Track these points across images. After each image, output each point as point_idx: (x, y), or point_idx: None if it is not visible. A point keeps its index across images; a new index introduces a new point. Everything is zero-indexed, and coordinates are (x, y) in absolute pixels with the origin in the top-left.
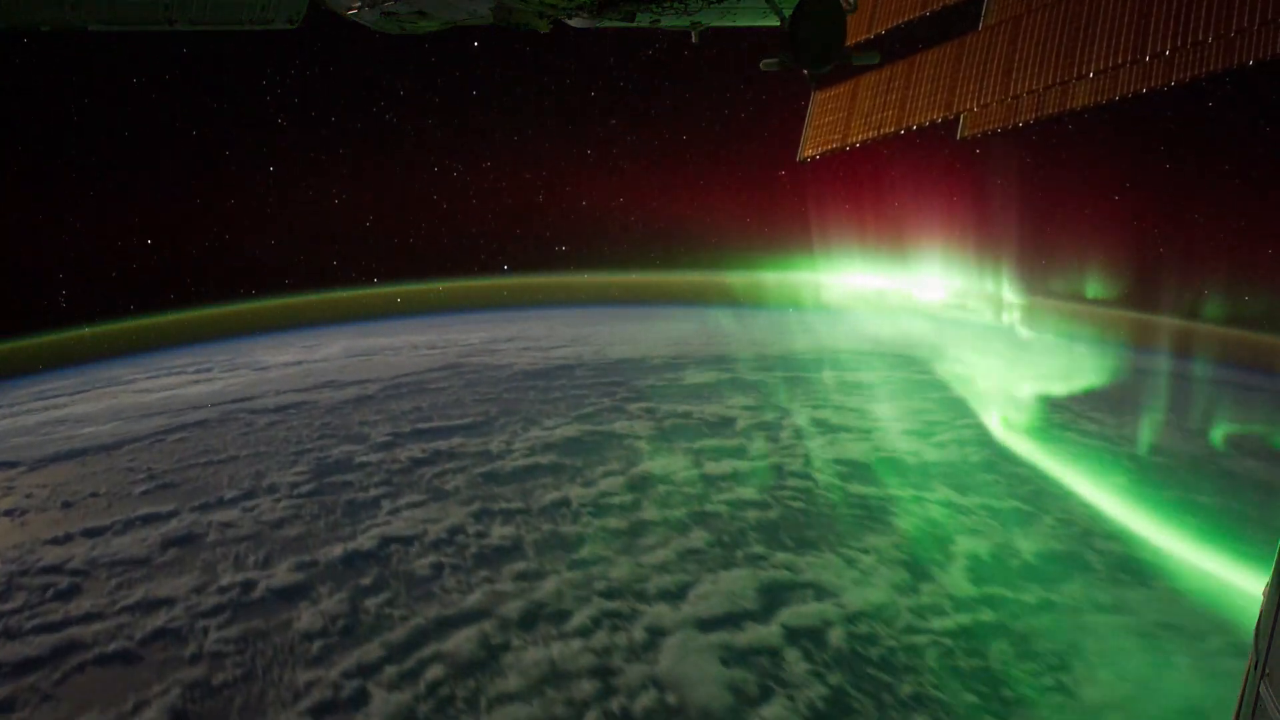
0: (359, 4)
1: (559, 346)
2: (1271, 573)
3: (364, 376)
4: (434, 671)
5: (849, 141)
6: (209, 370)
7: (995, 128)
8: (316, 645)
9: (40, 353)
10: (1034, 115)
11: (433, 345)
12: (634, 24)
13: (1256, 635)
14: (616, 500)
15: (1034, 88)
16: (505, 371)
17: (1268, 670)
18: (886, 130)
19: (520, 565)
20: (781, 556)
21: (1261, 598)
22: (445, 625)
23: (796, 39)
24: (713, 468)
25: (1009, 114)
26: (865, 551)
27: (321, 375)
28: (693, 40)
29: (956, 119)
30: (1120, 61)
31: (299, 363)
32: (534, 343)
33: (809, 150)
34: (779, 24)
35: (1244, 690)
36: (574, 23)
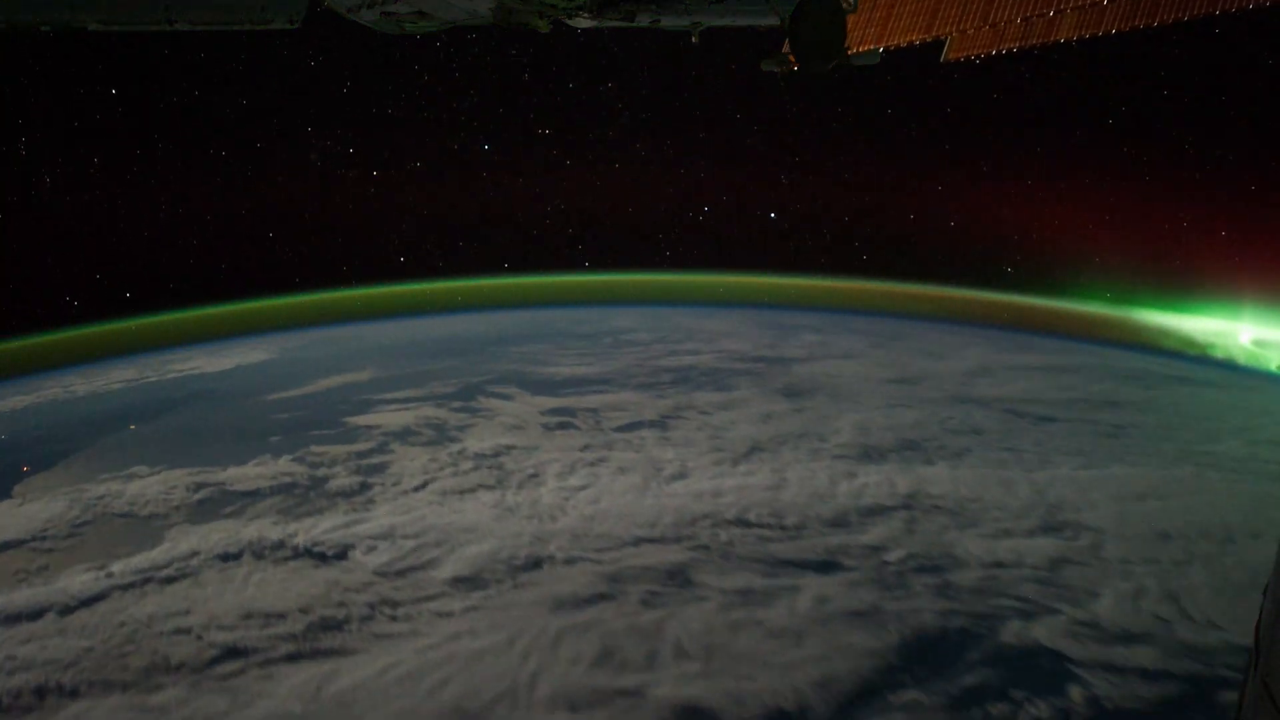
0: (359, 4)
1: (1033, 532)
2: (1272, 571)
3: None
4: None
5: None
6: (347, 547)
7: (979, 54)
8: None
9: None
10: (1018, 44)
11: (737, 482)
12: (634, 24)
13: (1256, 634)
14: None
15: (1013, 17)
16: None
17: (1268, 670)
18: (865, 48)
19: None
20: None
21: (1262, 597)
22: None
23: (797, 39)
24: None
25: (993, 40)
26: None
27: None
28: (693, 40)
29: (938, 43)
30: None
31: (516, 538)
32: (936, 498)
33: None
34: (779, 24)
35: (1244, 689)
36: (574, 23)
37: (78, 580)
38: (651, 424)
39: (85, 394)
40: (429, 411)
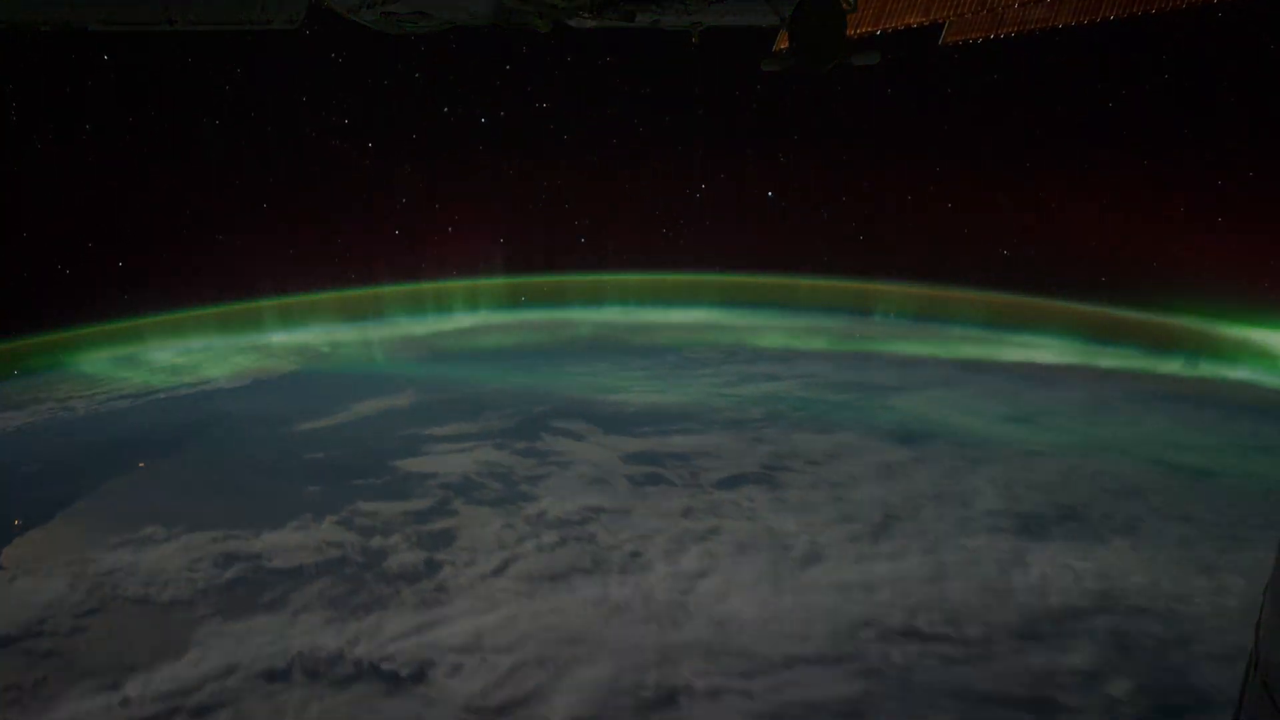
0: (359, 4)
1: None
2: (1272, 571)
3: None
4: None
5: None
6: None
7: (977, 38)
8: None
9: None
10: (1016, 29)
11: None
12: (634, 24)
13: (1256, 634)
14: None
15: (1010, 2)
16: None
17: (1268, 670)
18: (863, 31)
19: None
20: None
21: (1262, 597)
22: None
23: (796, 39)
24: None
25: (991, 25)
26: None
27: None
28: (693, 40)
29: (936, 26)
30: None
31: None
32: None
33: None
34: (779, 24)
35: (1243, 690)
36: (575, 23)
37: (84, 708)
38: (757, 479)
39: (86, 414)
40: (490, 455)
